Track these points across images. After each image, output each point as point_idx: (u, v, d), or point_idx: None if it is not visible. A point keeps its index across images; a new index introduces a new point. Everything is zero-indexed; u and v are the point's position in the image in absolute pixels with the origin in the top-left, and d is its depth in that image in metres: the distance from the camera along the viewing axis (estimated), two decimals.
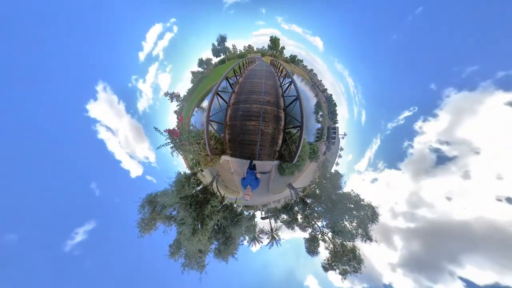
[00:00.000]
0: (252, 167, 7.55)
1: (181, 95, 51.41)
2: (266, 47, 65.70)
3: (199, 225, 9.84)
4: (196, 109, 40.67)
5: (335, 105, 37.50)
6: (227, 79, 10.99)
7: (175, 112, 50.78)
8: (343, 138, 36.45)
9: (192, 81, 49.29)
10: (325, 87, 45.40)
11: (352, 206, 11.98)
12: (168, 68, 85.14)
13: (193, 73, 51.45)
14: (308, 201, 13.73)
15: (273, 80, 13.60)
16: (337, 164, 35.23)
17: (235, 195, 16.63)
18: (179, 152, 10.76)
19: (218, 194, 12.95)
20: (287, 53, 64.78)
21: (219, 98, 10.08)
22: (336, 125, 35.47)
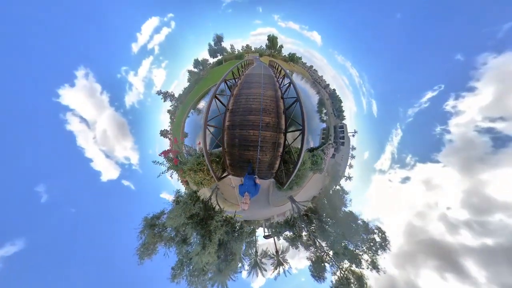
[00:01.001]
0: (251, 172, 7.05)
1: (176, 95, 49.02)
2: (264, 46, 64.34)
3: (208, 240, 10.21)
4: (192, 110, 38.47)
5: (340, 101, 35.02)
6: (225, 82, 10.55)
7: (169, 111, 48.62)
8: (353, 136, 33.30)
9: (188, 80, 47.03)
10: (327, 83, 43.28)
11: (356, 226, 11.08)
12: (163, 64, 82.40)
13: (190, 72, 49.23)
14: (312, 216, 12.80)
15: (272, 88, 11.78)
16: (351, 166, 32.06)
17: (234, 208, 15.62)
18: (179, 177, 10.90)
19: (218, 208, 12.94)
20: (285, 51, 63.18)
21: (217, 101, 9.73)
22: (344, 123, 32.76)
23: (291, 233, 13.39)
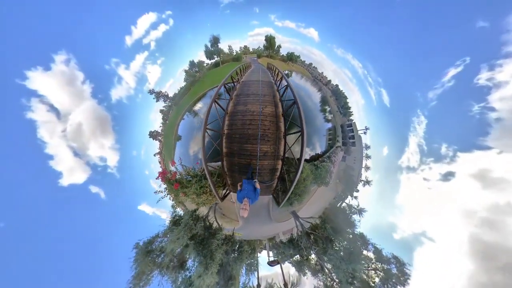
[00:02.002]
0: (250, 177, 6.65)
1: (171, 94, 46.78)
2: (262, 47, 63.53)
3: (210, 260, 9.97)
4: (187, 113, 36.64)
5: (345, 97, 32.74)
6: (224, 86, 10.68)
7: (161, 111, 46.20)
8: (365, 133, 30.17)
9: (185, 80, 45.05)
10: (328, 79, 41.18)
11: (367, 252, 9.75)
12: (159, 60, 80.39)
13: (186, 72, 47.21)
14: (316, 235, 11.21)
15: (272, 102, 10.34)
16: (367, 168, 27.80)
17: (232, 224, 14.36)
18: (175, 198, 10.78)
19: (217, 225, 12.51)
20: (283, 51, 62.07)
21: (216, 106, 9.69)
22: (351, 120, 30.17)
23: (297, 255, 11.38)
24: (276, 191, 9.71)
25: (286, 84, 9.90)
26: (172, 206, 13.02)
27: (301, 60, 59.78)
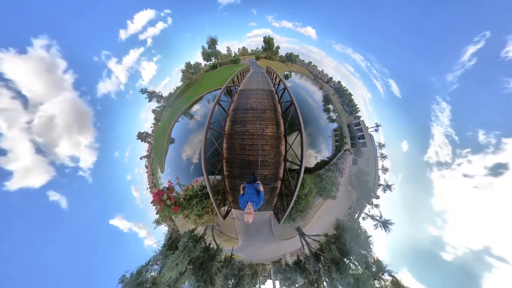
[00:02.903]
0: (252, 180, 5.84)
1: (166, 93, 44.46)
2: (260, 48, 62.67)
3: (211, 285, 9.22)
4: (182, 116, 34.99)
5: (349, 94, 30.64)
6: (226, 89, 10.14)
7: (153, 111, 43.86)
8: (376, 130, 27.13)
9: (182, 80, 43.14)
10: (329, 76, 39.15)
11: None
12: (155, 58, 78.87)
13: (183, 72, 45.36)
14: (324, 257, 9.47)
15: (273, 119, 9.50)
16: (385, 170, 23.72)
17: (232, 243, 12.66)
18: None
19: (215, 245, 11.41)
20: (282, 51, 61.05)
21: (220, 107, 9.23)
22: (358, 117, 27.97)
23: (305, 281, 9.62)
24: (276, 207, 9.20)
25: (285, 87, 9.48)
26: (157, 222, 10.99)
27: (300, 59, 58.52)
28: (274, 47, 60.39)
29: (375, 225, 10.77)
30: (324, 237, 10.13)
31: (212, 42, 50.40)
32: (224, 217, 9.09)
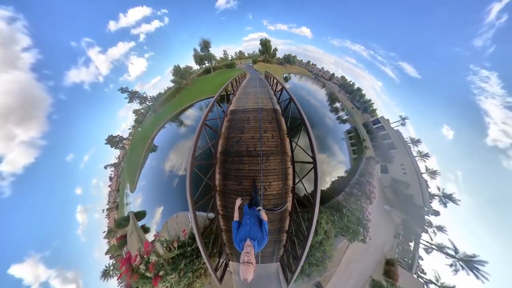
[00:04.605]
0: (253, 203, 4.03)
1: (154, 94, 39.71)
2: (257, 51, 60.53)
3: None
4: (170, 122, 31.13)
5: (358, 89, 26.58)
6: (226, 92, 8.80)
7: (134, 112, 39.00)
8: (403, 124, 22.08)
9: (172, 81, 39.04)
10: (331, 73, 35.82)
11: None
12: (147, 54, 75.67)
13: (174, 71, 41.29)
14: None
15: (281, 171, 6.16)
16: (432, 173, 17.89)
17: None
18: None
19: None
20: (279, 53, 58.75)
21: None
22: (376, 114, 23.19)
23: None
24: (283, 258, 7.16)
25: (288, 94, 7.19)
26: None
27: (298, 60, 55.94)
28: (272, 50, 58.06)
29: (451, 265, 6.16)
30: None
31: (205, 45, 46.76)
32: (221, 279, 6.68)
